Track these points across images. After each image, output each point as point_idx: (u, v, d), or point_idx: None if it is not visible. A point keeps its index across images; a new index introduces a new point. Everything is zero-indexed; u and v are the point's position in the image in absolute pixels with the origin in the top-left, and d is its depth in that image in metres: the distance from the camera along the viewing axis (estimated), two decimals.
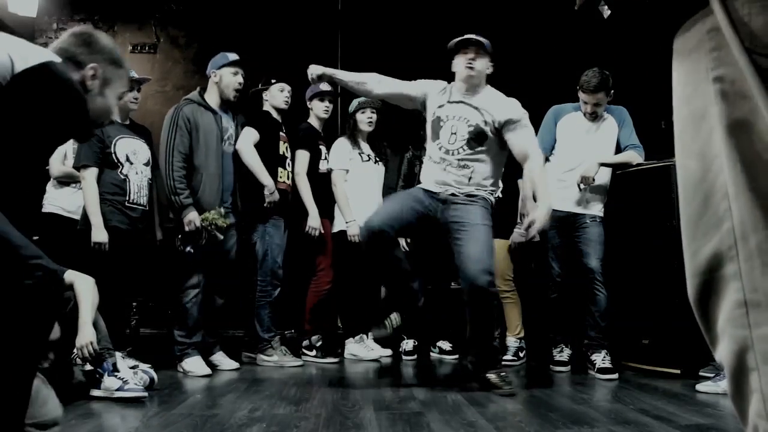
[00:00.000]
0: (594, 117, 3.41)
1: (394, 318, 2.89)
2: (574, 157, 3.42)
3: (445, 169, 2.83)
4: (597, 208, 3.42)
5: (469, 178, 2.81)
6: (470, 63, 2.81)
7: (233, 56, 3.43)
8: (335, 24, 5.12)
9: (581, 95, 3.38)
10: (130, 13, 5.35)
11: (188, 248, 3.21)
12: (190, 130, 3.27)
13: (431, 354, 4.01)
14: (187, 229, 3.19)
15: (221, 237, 3.26)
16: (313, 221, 3.66)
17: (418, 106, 2.99)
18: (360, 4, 5.09)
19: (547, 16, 4.79)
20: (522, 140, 2.80)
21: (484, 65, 2.85)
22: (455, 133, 2.81)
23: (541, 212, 2.64)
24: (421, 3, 4.96)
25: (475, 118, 2.81)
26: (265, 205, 3.47)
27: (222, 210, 3.29)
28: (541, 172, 2.78)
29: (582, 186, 3.34)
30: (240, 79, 3.43)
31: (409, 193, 2.97)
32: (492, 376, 2.70)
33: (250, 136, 3.51)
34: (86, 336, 2.24)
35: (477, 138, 2.80)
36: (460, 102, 2.85)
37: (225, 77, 3.40)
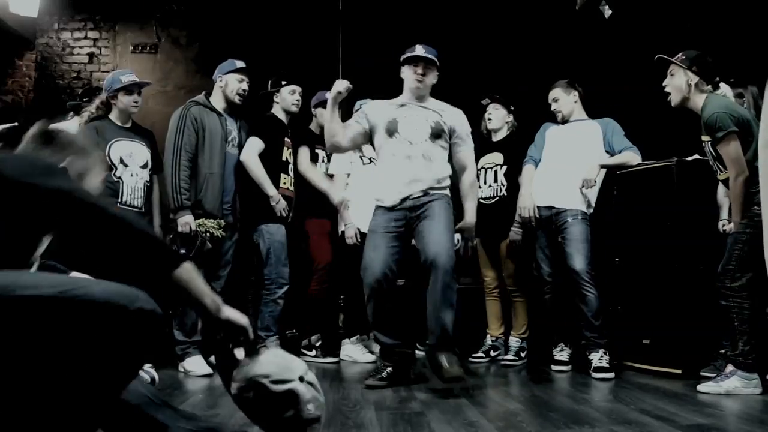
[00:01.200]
0: (561, 116, 3.55)
1: (389, 369, 2.92)
2: (554, 158, 3.50)
3: (411, 160, 2.92)
4: (578, 205, 3.39)
5: (430, 169, 2.94)
6: (419, 77, 2.97)
7: (240, 63, 3.48)
8: (336, 23, 5.12)
9: (549, 101, 3.60)
10: (131, 13, 5.35)
11: (181, 250, 3.16)
12: (197, 130, 3.29)
13: (417, 351, 4.03)
14: (180, 230, 3.19)
15: (210, 246, 3.24)
16: (335, 197, 3.67)
17: (367, 136, 3.09)
18: (361, 4, 5.09)
19: (547, 20, 4.79)
20: (465, 153, 3.09)
21: (432, 79, 3.03)
22: (417, 128, 2.96)
23: (467, 222, 3.03)
24: (422, 3, 4.95)
25: (433, 117, 2.99)
26: (278, 215, 3.48)
27: (222, 222, 3.29)
28: (471, 186, 3.09)
29: (584, 190, 3.36)
30: (245, 86, 3.47)
31: (376, 228, 2.99)
32: (443, 359, 2.72)
33: (255, 146, 3.51)
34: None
35: (437, 133, 2.97)
36: (413, 105, 3.02)
37: (231, 83, 3.44)
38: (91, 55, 5.36)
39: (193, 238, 3.19)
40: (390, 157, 2.98)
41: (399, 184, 2.94)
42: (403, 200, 2.93)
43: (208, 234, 3.22)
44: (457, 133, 3.04)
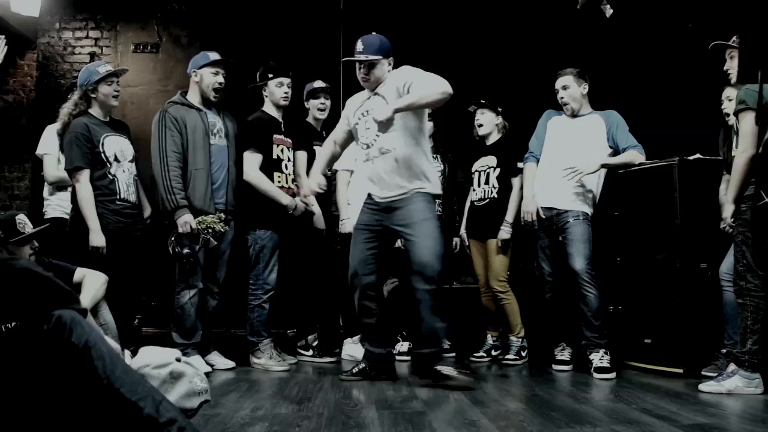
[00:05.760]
0: (570, 109, 3.42)
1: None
2: (556, 156, 3.42)
3: (373, 163, 2.98)
4: (580, 206, 3.37)
5: (396, 160, 2.92)
6: (364, 78, 3.00)
7: (214, 56, 3.36)
8: (337, 23, 5.12)
9: (556, 87, 3.46)
10: (132, 12, 5.35)
11: (185, 250, 3.14)
12: (180, 129, 3.24)
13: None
14: (181, 230, 3.14)
15: (215, 243, 3.21)
16: (319, 222, 3.67)
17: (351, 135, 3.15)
18: (362, 3, 5.08)
19: (547, 18, 4.78)
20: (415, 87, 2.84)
21: (378, 72, 2.98)
22: (368, 128, 2.99)
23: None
24: (422, 2, 4.95)
25: (376, 104, 2.96)
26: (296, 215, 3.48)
27: (222, 215, 3.25)
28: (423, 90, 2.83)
29: (569, 176, 3.28)
30: (221, 78, 3.35)
31: (357, 225, 3.09)
32: (445, 369, 2.83)
33: (254, 161, 3.42)
34: None
35: (384, 121, 2.85)
36: (365, 100, 3.05)
37: (205, 77, 3.34)
38: (92, 55, 5.37)
39: (195, 236, 3.15)
40: (359, 164, 3.07)
41: (370, 186, 3.02)
42: (377, 200, 2.99)
43: (210, 230, 3.17)
44: (402, 91, 2.87)
